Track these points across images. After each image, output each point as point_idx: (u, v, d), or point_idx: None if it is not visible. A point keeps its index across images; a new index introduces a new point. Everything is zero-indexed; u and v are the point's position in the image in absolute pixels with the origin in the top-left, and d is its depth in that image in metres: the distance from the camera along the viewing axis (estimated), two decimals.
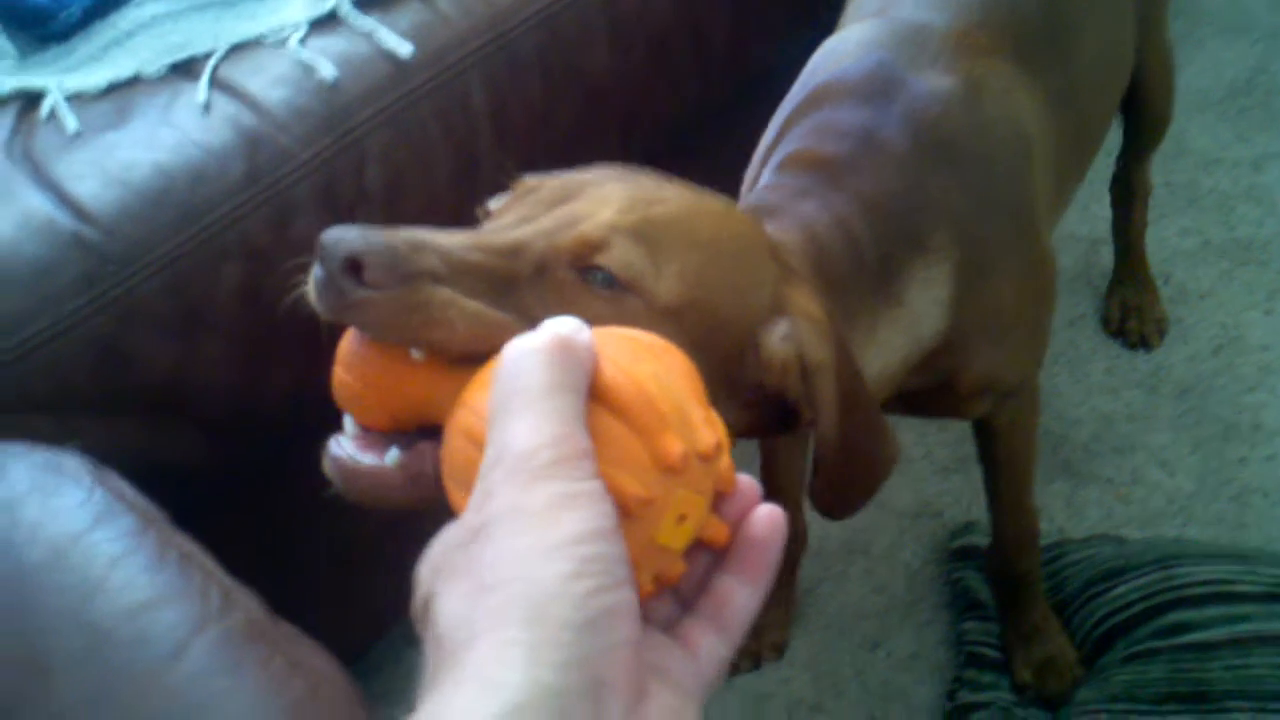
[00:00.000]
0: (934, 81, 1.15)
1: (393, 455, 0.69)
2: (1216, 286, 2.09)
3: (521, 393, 0.55)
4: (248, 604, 0.87)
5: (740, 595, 0.61)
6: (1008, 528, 1.56)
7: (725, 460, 0.60)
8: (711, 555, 0.63)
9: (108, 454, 1.00)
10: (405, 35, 1.36)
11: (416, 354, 0.68)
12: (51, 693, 0.81)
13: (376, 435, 0.70)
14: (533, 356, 0.56)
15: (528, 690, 0.47)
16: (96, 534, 0.88)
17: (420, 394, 0.68)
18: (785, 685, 1.71)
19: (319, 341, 0.72)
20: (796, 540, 1.69)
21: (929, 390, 1.20)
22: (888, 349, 1.07)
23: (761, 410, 0.86)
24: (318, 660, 0.86)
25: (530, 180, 0.83)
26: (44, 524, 0.88)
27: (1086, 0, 1.38)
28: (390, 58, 1.35)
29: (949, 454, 1.90)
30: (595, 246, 0.75)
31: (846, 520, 1.75)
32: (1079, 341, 2.05)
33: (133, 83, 1.33)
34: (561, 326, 0.57)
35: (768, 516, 0.62)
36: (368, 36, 1.35)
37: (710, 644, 0.60)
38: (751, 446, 1.61)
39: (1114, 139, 1.89)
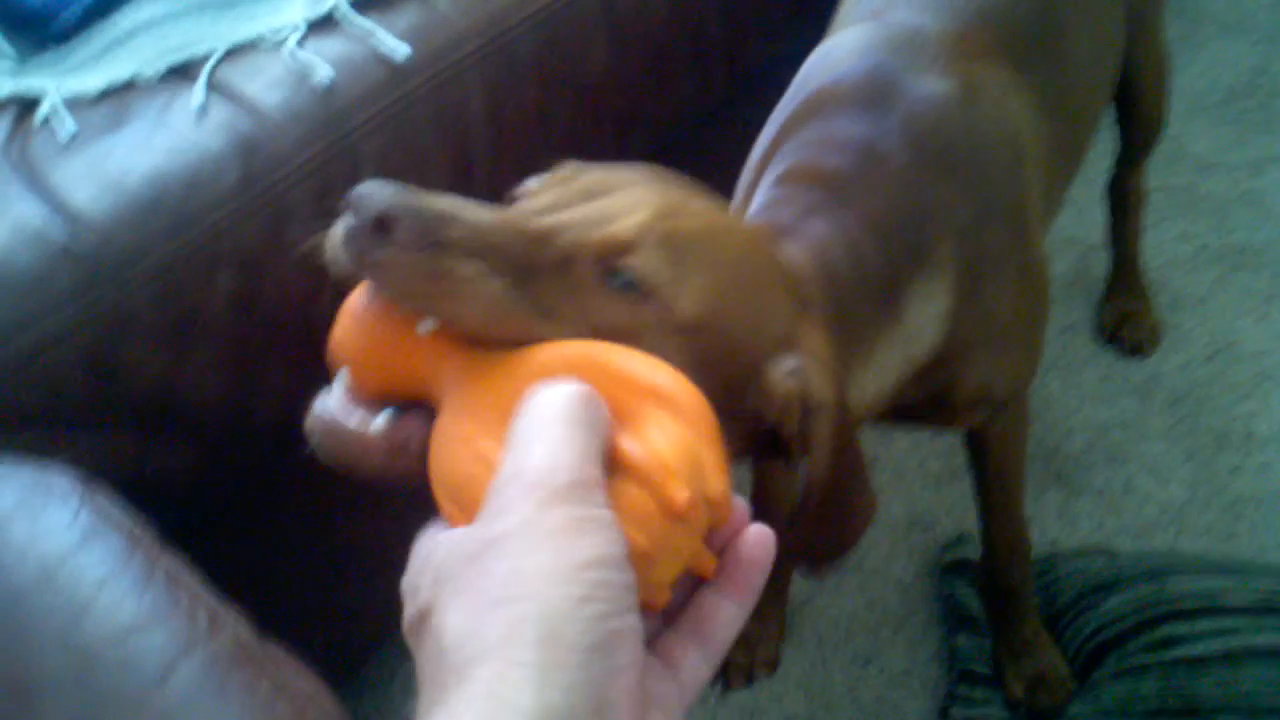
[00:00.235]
0: (931, 85, 1.15)
1: (379, 423, 0.68)
2: (1212, 292, 2.09)
3: (544, 420, 0.57)
4: (235, 625, 0.86)
5: (725, 613, 0.62)
6: (999, 538, 1.56)
7: (727, 501, 0.61)
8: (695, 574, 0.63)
9: (97, 465, 0.99)
10: (402, 37, 1.35)
11: (426, 326, 0.67)
12: (37, 716, 0.80)
13: (366, 399, 0.69)
14: (561, 396, 0.58)
15: (538, 713, 0.48)
16: (83, 555, 0.87)
17: (420, 367, 0.67)
18: (778, 702, 1.71)
19: (313, 351, 0.71)
20: (787, 558, 1.67)
21: (923, 402, 1.19)
22: (886, 368, 1.07)
23: (754, 441, 0.85)
24: (304, 682, 0.86)
25: (569, 167, 0.82)
26: (31, 544, 0.87)
27: (1078, 7, 1.37)
28: (387, 60, 1.34)
29: (942, 466, 1.90)
30: (623, 247, 0.75)
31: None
32: (1073, 349, 2.04)
33: (130, 85, 1.32)
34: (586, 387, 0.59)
35: (757, 536, 0.63)
36: (364, 38, 1.34)
37: (692, 662, 0.61)
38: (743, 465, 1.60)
39: (1110, 143, 1.89)
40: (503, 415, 0.59)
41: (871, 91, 1.14)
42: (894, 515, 1.87)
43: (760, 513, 1.52)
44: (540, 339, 0.66)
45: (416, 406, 0.67)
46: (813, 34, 1.32)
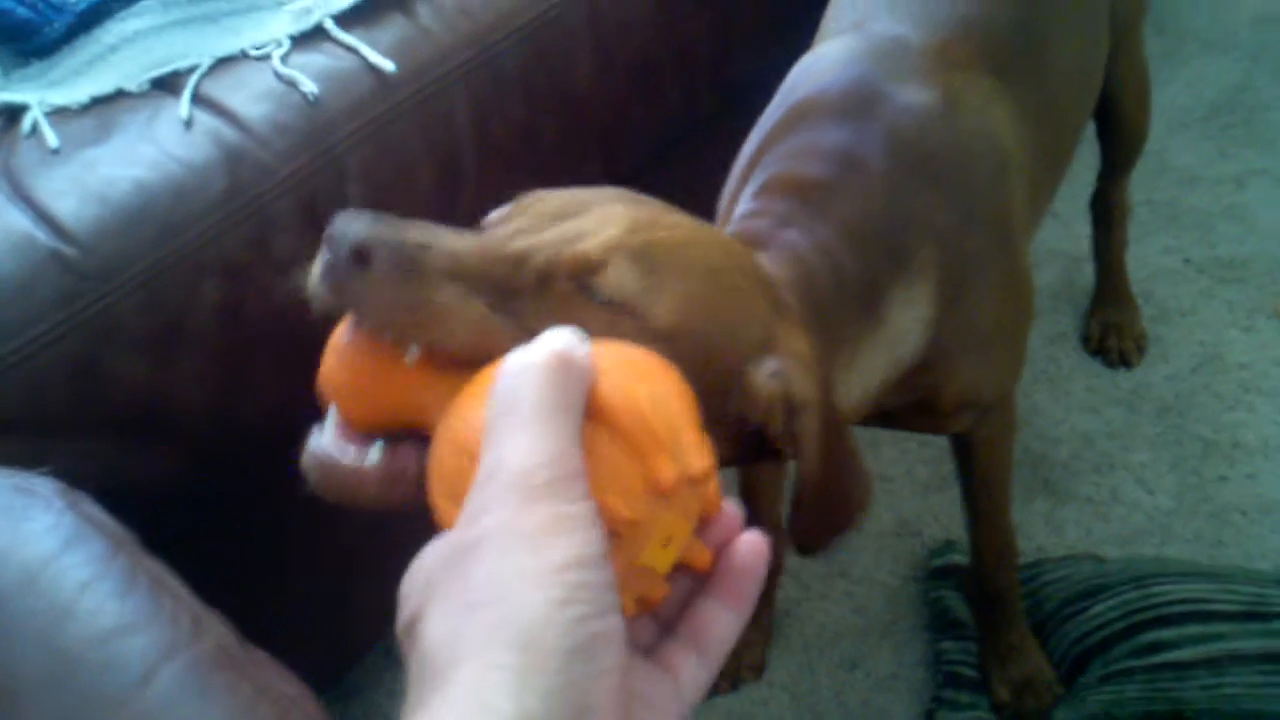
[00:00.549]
0: (913, 96, 1.16)
1: (374, 455, 0.68)
2: (1197, 304, 2.10)
3: (518, 409, 0.55)
4: (218, 630, 0.86)
5: (722, 621, 0.62)
6: (985, 544, 1.56)
7: (713, 484, 0.61)
8: (694, 579, 0.63)
9: (81, 474, 0.99)
10: (388, 51, 1.36)
11: (411, 355, 0.67)
12: (19, 718, 0.80)
13: (359, 433, 0.69)
14: (531, 371, 0.56)
15: (516, 717, 0.48)
16: (66, 559, 0.87)
17: (409, 396, 0.67)
18: (764, 706, 1.71)
19: (298, 361, 0.71)
20: (775, 560, 1.68)
21: (908, 406, 1.20)
22: (869, 372, 1.08)
23: (741, 443, 0.86)
24: (287, 686, 0.86)
25: (535, 194, 0.83)
26: (14, 548, 0.88)
27: (1059, 13, 1.38)
28: (373, 73, 1.34)
29: (929, 472, 1.91)
30: (596, 264, 0.75)
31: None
32: (1060, 359, 2.05)
33: (115, 98, 1.32)
34: (560, 340, 0.57)
35: (751, 544, 0.62)
36: (350, 52, 1.35)
37: (691, 669, 0.60)
38: (731, 470, 1.61)
39: (1094, 156, 1.90)
40: (481, 404, 0.59)
41: (854, 102, 1.15)
42: (881, 521, 1.87)
43: (748, 512, 1.53)
44: None
45: (411, 435, 0.67)
46: (799, 46, 1.32)
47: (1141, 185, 2.11)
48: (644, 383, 0.60)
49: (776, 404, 0.83)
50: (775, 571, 1.70)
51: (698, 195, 1.22)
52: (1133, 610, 1.56)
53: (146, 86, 1.33)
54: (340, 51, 1.36)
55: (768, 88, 1.27)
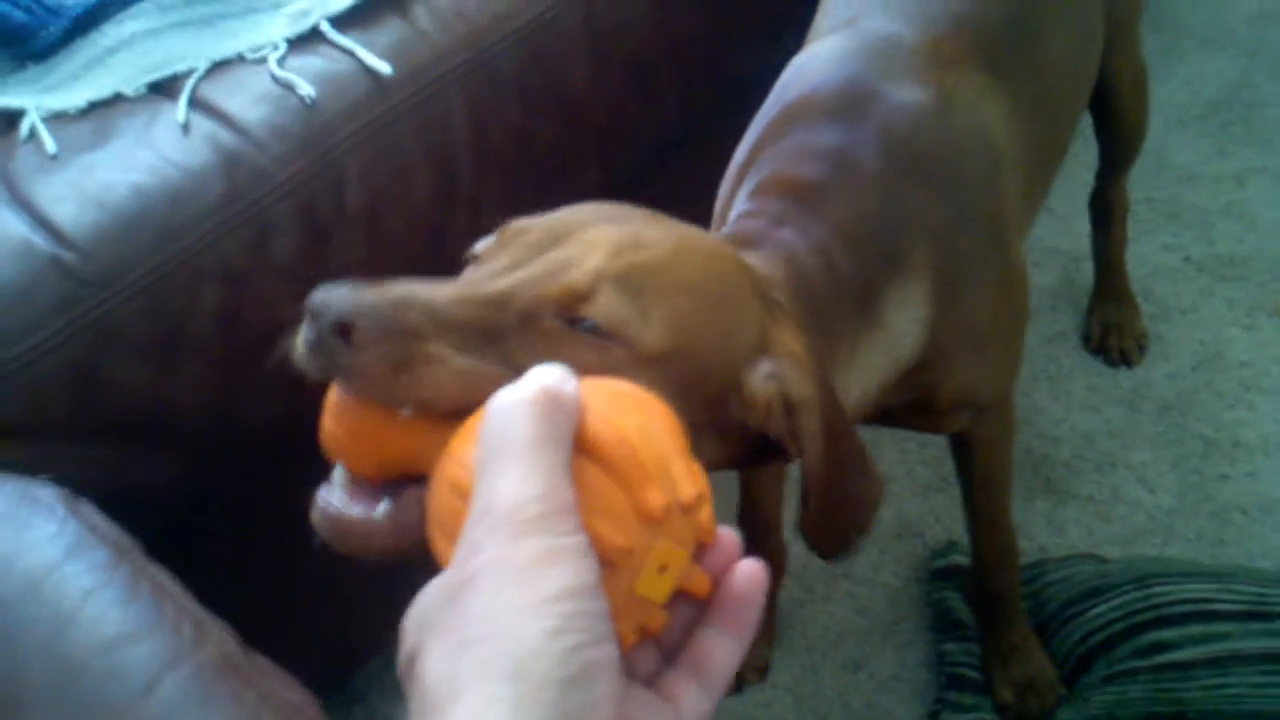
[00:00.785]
0: (906, 94, 1.16)
1: (382, 509, 0.69)
2: (1197, 302, 2.10)
3: (508, 446, 0.55)
4: (221, 637, 0.86)
5: (722, 649, 0.62)
6: (986, 544, 1.56)
7: (707, 511, 0.61)
8: (694, 608, 0.63)
9: (83, 480, 0.99)
10: (385, 53, 1.35)
11: (404, 413, 0.68)
12: None
13: (365, 486, 0.70)
14: (519, 408, 0.56)
15: None
16: (69, 567, 0.87)
17: (408, 447, 0.68)
18: (768, 708, 1.71)
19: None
20: (778, 563, 1.68)
21: (907, 405, 1.20)
22: (868, 371, 1.08)
23: (745, 446, 0.86)
24: (290, 693, 0.86)
25: (517, 224, 0.83)
26: (17, 556, 0.88)
27: (1052, 8, 1.38)
28: (370, 76, 1.34)
29: (930, 473, 1.91)
30: (581, 296, 0.75)
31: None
32: (1060, 358, 2.05)
33: (113, 102, 1.32)
34: (547, 376, 0.57)
35: (749, 571, 0.62)
36: (347, 55, 1.35)
37: (692, 698, 0.60)
38: (732, 473, 1.60)
39: (1092, 155, 1.90)
40: (473, 444, 0.59)
41: (847, 101, 1.15)
42: (883, 522, 1.87)
43: (748, 519, 1.53)
44: None
45: (417, 482, 0.67)
46: (794, 46, 1.32)
47: (1141, 183, 2.11)
48: (631, 414, 0.60)
49: (775, 405, 0.83)
50: (778, 574, 1.70)
51: (695, 196, 1.22)
52: (1135, 610, 1.56)
53: (144, 90, 1.33)
54: (337, 54, 1.36)
55: (764, 88, 1.27)
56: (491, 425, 0.56)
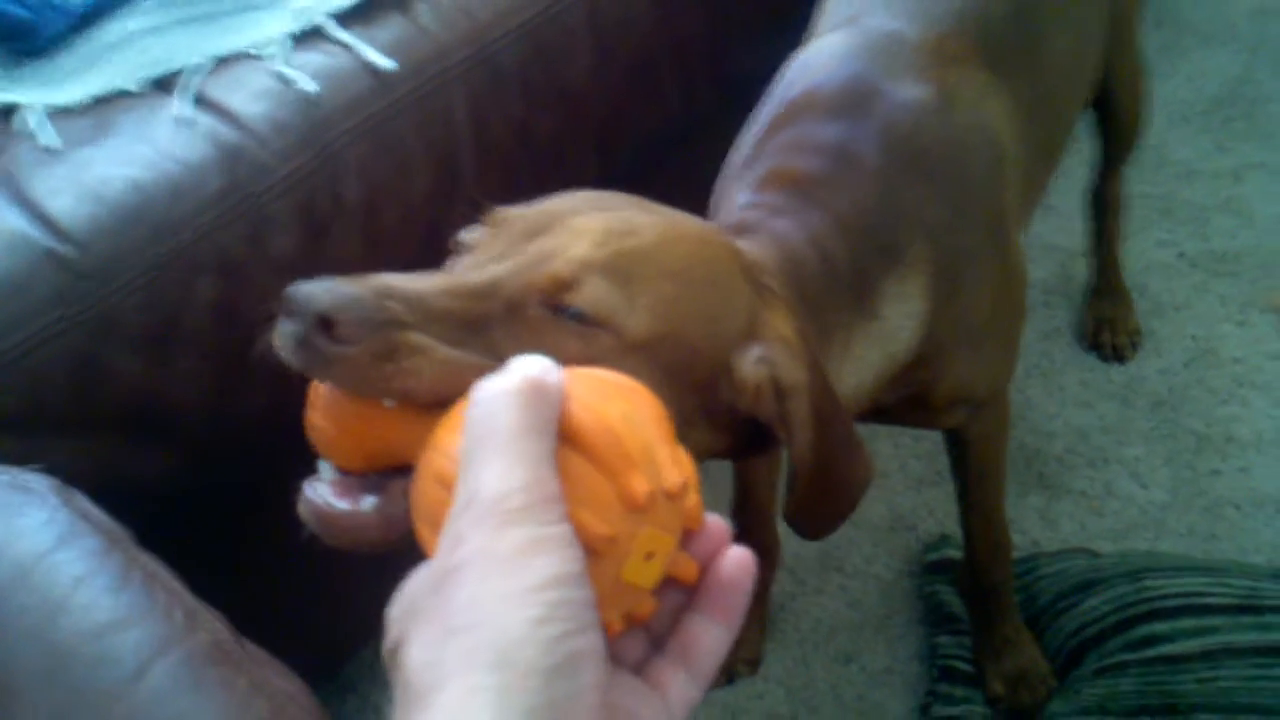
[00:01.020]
0: (908, 91, 1.16)
1: (369, 502, 0.69)
2: (1191, 298, 2.10)
3: (492, 436, 0.55)
4: (212, 625, 0.87)
5: (710, 636, 0.62)
6: (980, 539, 1.57)
7: (693, 498, 0.61)
8: (682, 595, 0.63)
9: (77, 471, 1.00)
10: (386, 49, 1.36)
11: (389, 403, 0.69)
12: (14, 713, 0.81)
13: (352, 480, 0.71)
14: (503, 399, 0.56)
15: None
16: (60, 554, 0.88)
17: (393, 437, 0.69)
18: (760, 700, 1.72)
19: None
20: (770, 555, 1.69)
21: (902, 402, 1.20)
22: (863, 364, 1.08)
23: (737, 432, 0.86)
24: (283, 681, 0.86)
25: (503, 212, 0.83)
26: (8, 544, 0.88)
27: (1054, 5, 1.38)
28: (371, 72, 1.35)
29: (924, 467, 1.91)
30: (566, 285, 0.76)
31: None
32: (1054, 354, 2.06)
33: (113, 97, 1.32)
34: (531, 367, 0.57)
35: (737, 558, 0.62)
36: (349, 51, 1.35)
37: (680, 685, 0.61)
38: (725, 464, 1.61)
39: (1090, 151, 1.90)
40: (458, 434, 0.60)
41: (849, 98, 1.15)
42: (876, 516, 1.88)
43: (742, 511, 1.53)
44: None
45: (403, 473, 0.67)
46: (795, 42, 1.32)
47: (1138, 178, 2.11)
48: (615, 402, 0.60)
49: (765, 389, 0.83)
50: (770, 566, 1.71)
51: (695, 192, 1.22)
52: (1127, 604, 1.56)
53: (145, 86, 1.33)
54: (338, 50, 1.37)
55: (764, 84, 1.27)
56: (475, 415, 0.56)
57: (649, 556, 0.58)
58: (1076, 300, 2.11)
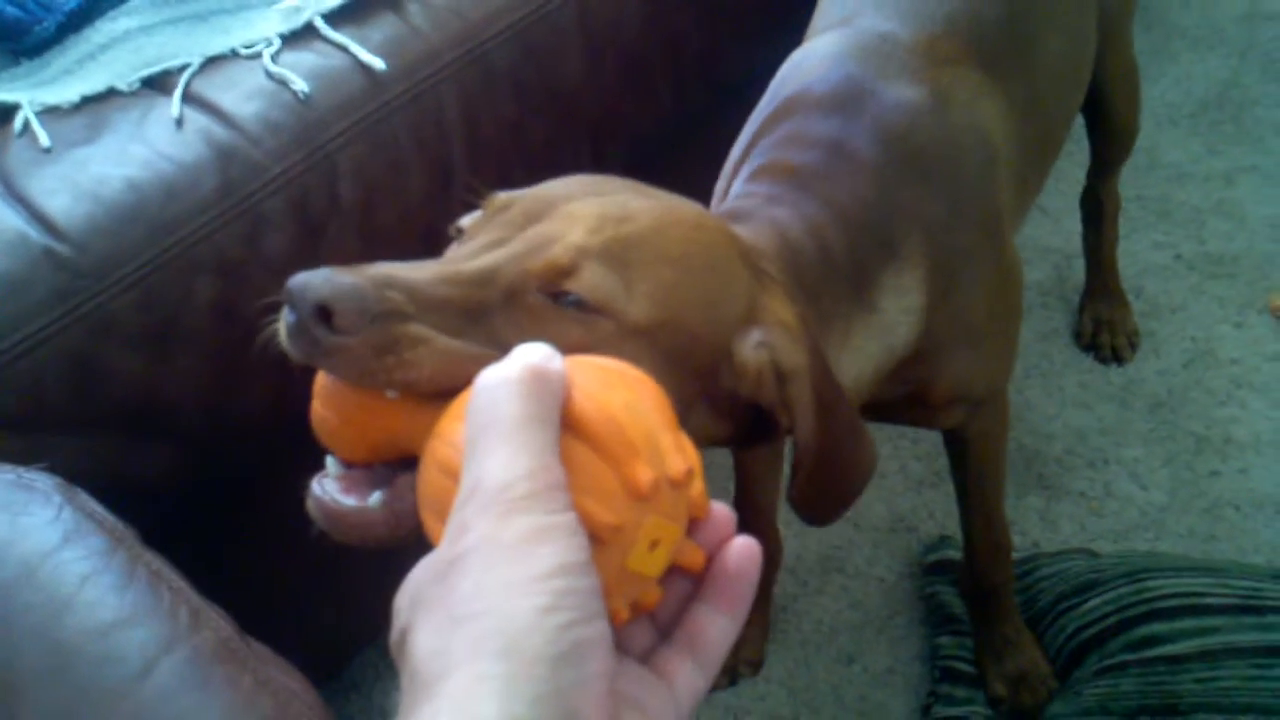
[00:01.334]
0: (902, 92, 1.16)
1: (375, 498, 0.69)
2: (1188, 300, 2.11)
3: (495, 425, 0.55)
4: (217, 622, 0.86)
5: (716, 626, 0.61)
6: (979, 540, 1.56)
7: (698, 486, 0.60)
8: (689, 584, 0.63)
9: (79, 471, 0.99)
10: (378, 49, 1.36)
11: (391, 395, 0.68)
12: (19, 711, 0.80)
13: (359, 475, 0.70)
14: (505, 387, 0.56)
15: None
16: (65, 552, 0.87)
17: (397, 427, 0.68)
18: (761, 701, 1.72)
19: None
20: (772, 556, 1.68)
21: (900, 400, 1.20)
22: (862, 356, 1.07)
23: (739, 419, 0.86)
24: (288, 678, 0.86)
25: (501, 197, 0.82)
26: (13, 542, 0.88)
27: (1047, 7, 1.38)
28: (363, 72, 1.34)
29: (924, 468, 1.91)
30: (565, 271, 0.75)
31: (822, 536, 1.76)
32: (1051, 355, 2.06)
33: (106, 97, 1.32)
34: (533, 355, 0.57)
35: (743, 547, 0.62)
36: (341, 51, 1.35)
37: (687, 675, 0.60)
38: (727, 465, 1.61)
39: (1084, 154, 1.91)
40: (461, 423, 0.59)
41: (843, 98, 1.15)
42: (877, 517, 1.88)
43: (743, 511, 1.53)
44: None
45: (409, 465, 0.67)
46: (789, 43, 1.32)
47: (1132, 181, 2.12)
48: (618, 390, 0.60)
49: (766, 374, 0.83)
50: (772, 567, 1.70)
51: (689, 192, 1.22)
52: (1127, 605, 1.56)
53: (137, 85, 1.33)
54: (330, 50, 1.36)
55: (757, 85, 1.27)
56: (477, 405, 0.56)
57: (654, 545, 0.58)
58: (1073, 302, 2.11)
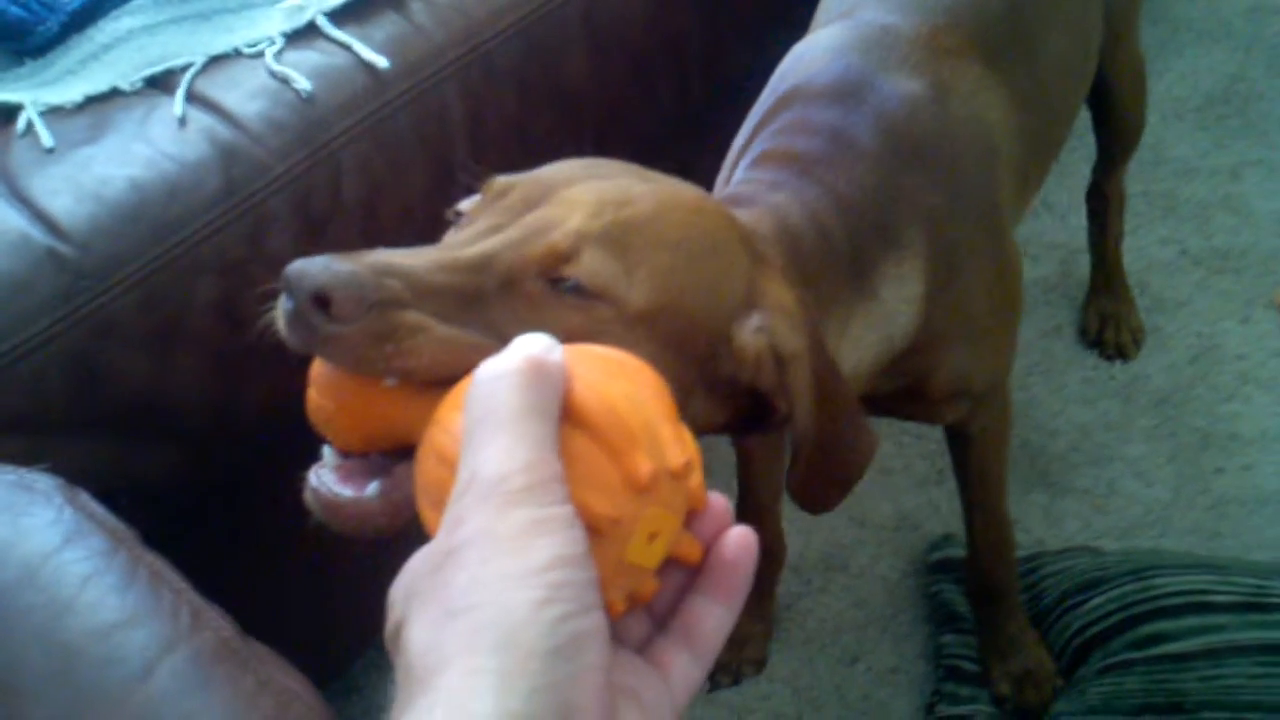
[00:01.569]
0: (902, 84, 1.16)
1: (373, 488, 0.69)
2: (1193, 295, 2.10)
3: (493, 416, 0.55)
4: (218, 623, 0.86)
5: (713, 616, 0.61)
6: (982, 537, 1.56)
7: (697, 478, 0.60)
8: (685, 574, 0.62)
9: (80, 471, 0.99)
10: (381, 47, 1.36)
11: (388, 383, 0.68)
12: (21, 713, 0.80)
13: (356, 465, 0.70)
14: (504, 379, 0.56)
15: (498, 718, 0.47)
16: (66, 553, 0.87)
17: (394, 416, 0.68)
18: (765, 701, 1.72)
19: (295, 357, 0.71)
20: (775, 555, 1.69)
21: (899, 392, 1.21)
22: (861, 344, 1.08)
23: (737, 405, 0.86)
24: (289, 679, 0.86)
25: (500, 181, 0.82)
26: (14, 543, 0.88)
27: (1051, 4, 1.38)
28: (366, 70, 1.34)
29: (928, 466, 1.91)
30: (564, 257, 0.75)
31: (826, 534, 1.76)
32: (1056, 351, 2.05)
33: (109, 97, 1.32)
34: (532, 346, 0.57)
35: (740, 538, 0.62)
36: (344, 49, 1.35)
37: (683, 666, 0.60)
38: (731, 463, 1.61)
39: (1090, 149, 1.90)
40: (461, 412, 0.59)
41: (843, 88, 1.15)
42: (881, 515, 1.87)
43: (745, 509, 1.53)
44: None
45: (405, 455, 0.66)
46: (792, 40, 1.32)
47: (1137, 176, 2.11)
48: (618, 381, 0.60)
49: (765, 358, 0.82)
50: (776, 566, 1.71)
51: None
52: (1131, 602, 1.56)
53: (140, 85, 1.33)
54: (333, 48, 1.36)
55: (760, 81, 1.27)
56: (476, 395, 0.56)
57: (652, 537, 0.58)
58: (1078, 298, 2.11)
